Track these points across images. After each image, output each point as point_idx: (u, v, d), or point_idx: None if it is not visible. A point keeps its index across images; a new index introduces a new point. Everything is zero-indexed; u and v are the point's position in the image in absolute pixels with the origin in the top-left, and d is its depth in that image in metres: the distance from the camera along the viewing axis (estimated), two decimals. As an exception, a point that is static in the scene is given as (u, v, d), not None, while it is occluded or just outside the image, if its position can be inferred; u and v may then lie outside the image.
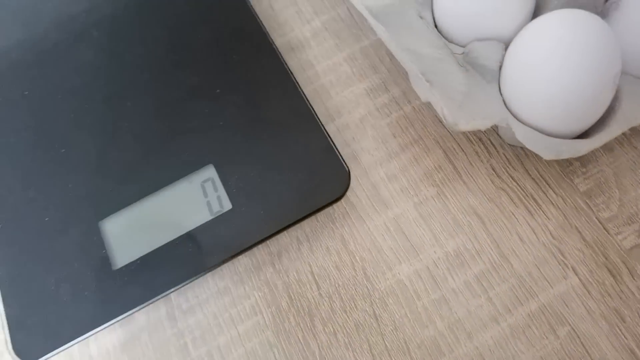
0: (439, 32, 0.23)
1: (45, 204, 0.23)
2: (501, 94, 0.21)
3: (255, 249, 0.23)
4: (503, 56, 0.21)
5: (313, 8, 0.28)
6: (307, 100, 0.23)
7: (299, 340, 0.21)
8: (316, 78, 0.26)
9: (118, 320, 0.21)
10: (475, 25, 0.21)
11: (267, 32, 0.25)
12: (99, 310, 0.21)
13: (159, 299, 0.21)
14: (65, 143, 0.23)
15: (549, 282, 0.21)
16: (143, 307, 0.21)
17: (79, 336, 0.21)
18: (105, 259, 0.21)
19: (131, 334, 0.23)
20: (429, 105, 0.25)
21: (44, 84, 0.25)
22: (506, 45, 0.21)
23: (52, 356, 0.21)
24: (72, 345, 0.21)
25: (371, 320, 0.21)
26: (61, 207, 0.22)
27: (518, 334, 0.21)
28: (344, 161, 0.22)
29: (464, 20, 0.21)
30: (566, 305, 0.21)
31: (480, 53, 0.21)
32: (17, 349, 0.21)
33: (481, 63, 0.21)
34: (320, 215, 0.23)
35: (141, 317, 0.23)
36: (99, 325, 0.21)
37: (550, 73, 0.19)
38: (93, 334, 0.21)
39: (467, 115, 0.19)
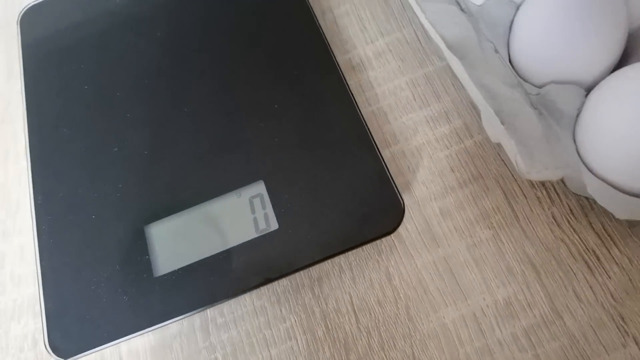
0: (513, 69, 0.22)
1: (94, 201, 0.23)
2: (575, 143, 0.20)
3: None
4: (582, 103, 0.20)
5: (378, 28, 0.27)
6: (366, 123, 0.22)
7: (333, 373, 0.21)
8: (375, 100, 0.25)
9: (154, 330, 0.21)
10: (555, 67, 0.20)
11: (331, 48, 0.24)
12: (136, 316, 0.21)
13: (197, 312, 0.21)
14: (119, 142, 0.23)
15: (604, 348, 0.20)
16: (179, 320, 0.21)
17: (114, 340, 0.20)
18: (147, 265, 0.21)
19: (163, 340, 0.22)
20: (490, 141, 0.23)
21: (104, 80, 0.25)
22: (586, 91, 0.20)
23: (85, 356, 0.21)
24: (107, 347, 0.21)
25: (410, 362, 0.21)
26: (109, 207, 0.22)
27: (565, 399, 0.20)
28: (399, 193, 0.21)
29: (543, 61, 0.20)
30: (621, 375, 0.20)
31: (559, 97, 0.20)
32: (52, 345, 0.21)
33: (558, 107, 0.20)
34: (366, 245, 0.22)
35: (174, 325, 0.22)
36: (135, 332, 0.20)
37: (634, 129, 0.18)
38: (127, 340, 0.21)
39: (539, 164, 0.18)
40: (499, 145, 0.23)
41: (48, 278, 0.22)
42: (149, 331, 0.21)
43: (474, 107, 0.24)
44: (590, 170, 0.20)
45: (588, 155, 0.20)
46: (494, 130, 0.19)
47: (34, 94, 0.25)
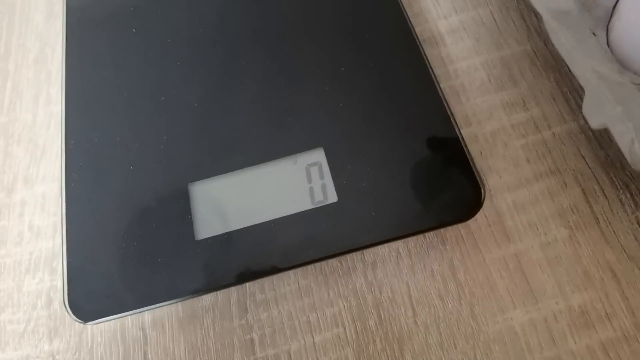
0: (613, 54, 0.20)
1: (134, 151, 0.20)
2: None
3: (349, 253, 0.20)
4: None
5: (452, 3, 0.25)
6: (445, 98, 0.20)
7: (384, 368, 0.19)
8: (446, 78, 0.23)
9: (186, 299, 0.18)
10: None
11: (407, 14, 0.22)
12: (169, 283, 0.18)
13: (237, 285, 0.19)
14: (168, 91, 0.21)
15: (692, 372, 0.18)
16: (216, 291, 0.19)
17: (143, 306, 0.18)
18: (188, 226, 0.19)
19: (193, 312, 0.20)
20: (570, 134, 0.21)
21: (156, 24, 0.23)
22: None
23: (107, 321, 0.19)
24: (132, 315, 0.19)
25: (471, 365, 0.18)
26: (151, 159, 0.20)
27: None
28: (481, 177, 0.19)
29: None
30: None
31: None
32: (72, 305, 0.18)
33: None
34: (430, 233, 0.20)
35: (208, 297, 0.20)
36: (165, 301, 0.18)
37: None
38: (156, 308, 0.18)
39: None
40: (577, 137, 0.21)
41: (74, 230, 0.20)
42: (182, 300, 0.18)
43: (554, 97, 0.22)
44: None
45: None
46: (600, 114, 0.17)
47: (75, 34, 0.23)
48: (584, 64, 0.17)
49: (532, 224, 0.20)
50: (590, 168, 0.21)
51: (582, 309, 0.19)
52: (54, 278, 0.21)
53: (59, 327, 0.20)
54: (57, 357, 0.20)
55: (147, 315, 0.20)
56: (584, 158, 0.21)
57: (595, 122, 0.17)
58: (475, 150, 0.22)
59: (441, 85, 0.23)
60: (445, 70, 0.23)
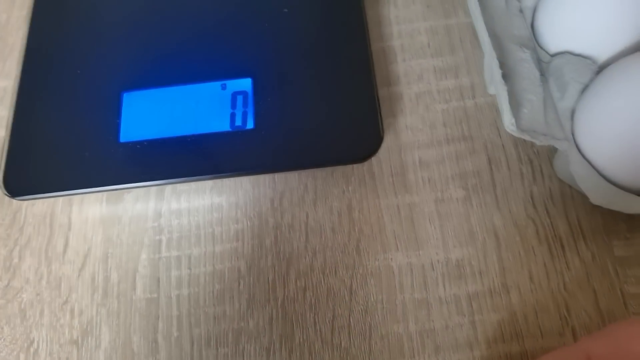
0: (533, 32, 0.21)
1: (84, 58, 0.22)
2: (572, 119, 0.19)
3: (260, 180, 0.22)
4: (591, 80, 0.19)
5: (414, -32, 0.26)
6: (370, 55, 0.21)
7: (268, 281, 0.21)
8: (389, 37, 0.24)
9: (107, 190, 0.21)
10: (573, 36, 0.19)
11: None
12: (92, 173, 0.20)
13: (152, 185, 0.21)
14: (119, 10, 0.23)
15: (540, 332, 0.20)
16: (134, 188, 0.21)
17: (65, 190, 0.20)
18: (115, 128, 0.21)
19: (114, 212, 0.22)
20: (491, 106, 0.23)
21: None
22: (599, 69, 0.19)
23: (36, 199, 0.21)
24: (57, 196, 0.21)
25: (345, 292, 0.20)
26: (96, 67, 0.22)
27: (487, 368, 0.19)
28: (382, 125, 0.20)
29: (562, 26, 0.19)
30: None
31: (569, 68, 0.19)
32: (5, 182, 0.21)
33: (565, 79, 0.19)
34: (337, 172, 0.22)
35: (129, 200, 0.22)
36: (87, 187, 0.20)
37: (636, 115, 0.17)
38: (80, 194, 0.21)
39: (526, 124, 0.17)
40: (498, 110, 0.22)
41: (19, 121, 0.22)
42: (100, 191, 0.21)
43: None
44: (580, 150, 0.19)
45: (581, 134, 0.19)
46: (492, 79, 0.18)
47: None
48: (492, 31, 0.18)
49: (432, 181, 0.22)
50: (501, 139, 0.22)
51: (458, 263, 0.21)
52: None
53: (-3, 204, 0.23)
54: (-10, 228, 0.22)
55: (74, 209, 0.22)
56: (498, 130, 0.22)
57: (488, 86, 0.18)
58: (397, 107, 0.23)
59: (382, 44, 0.24)
60: (389, 30, 0.25)
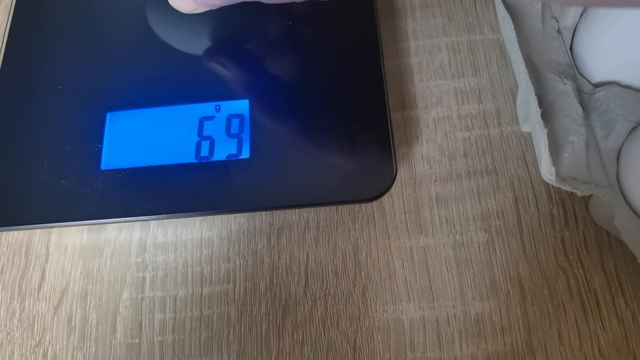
0: (572, 58, 0.18)
1: (66, 72, 0.20)
2: (618, 162, 0.17)
3: (256, 213, 0.20)
4: (643, 117, 0.16)
5: (435, -24, 0.23)
6: (384, 76, 0.19)
7: (261, 332, 0.18)
8: (405, 54, 0.22)
9: (86, 225, 0.18)
10: (622, 65, 0.16)
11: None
12: (71, 205, 0.18)
13: (134, 221, 0.18)
14: (111, 20, 0.21)
15: (571, 402, 0.17)
16: (117, 222, 0.19)
17: (43, 223, 0.18)
18: (97, 154, 0.19)
19: (96, 242, 0.20)
20: (519, 136, 0.20)
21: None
22: (654, 105, 0.16)
23: (12, 230, 0.19)
24: (34, 229, 0.19)
25: (348, 348, 0.18)
26: (80, 84, 0.20)
27: None
28: (396, 161, 0.18)
29: (609, 53, 0.16)
30: None
31: (616, 103, 0.16)
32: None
33: (610, 115, 0.16)
34: (343, 207, 0.20)
35: (112, 230, 0.20)
36: (66, 221, 0.18)
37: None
38: (58, 227, 0.19)
39: (568, 170, 0.15)
40: (527, 141, 0.19)
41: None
42: (81, 225, 0.18)
43: (514, 94, 0.21)
44: (626, 200, 0.16)
45: (629, 180, 0.16)
46: (527, 116, 0.16)
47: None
48: (525, 57, 0.16)
49: (450, 221, 0.19)
50: (530, 176, 0.20)
51: (478, 318, 0.18)
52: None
53: (-32, 230, 0.21)
54: (-40, 257, 0.20)
55: (53, 238, 0.20)
56: (526, 164, 0.20)
57: (522, 124, 0.16)
58: (412, 134, 0.20)
59: (398, 61, 0.22)
60: (406, 46, 0.22)
